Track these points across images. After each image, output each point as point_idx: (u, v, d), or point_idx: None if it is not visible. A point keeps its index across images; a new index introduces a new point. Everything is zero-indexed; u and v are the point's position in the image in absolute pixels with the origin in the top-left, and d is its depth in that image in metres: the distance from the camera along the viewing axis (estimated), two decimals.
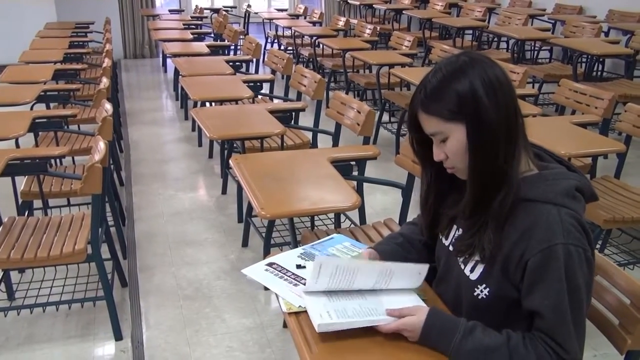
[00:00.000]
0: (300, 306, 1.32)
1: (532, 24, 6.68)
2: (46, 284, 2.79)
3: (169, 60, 7.54)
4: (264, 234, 2.99)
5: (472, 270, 1.32)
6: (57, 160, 3.61)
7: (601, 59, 5.38)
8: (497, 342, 1.22)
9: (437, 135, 1.28)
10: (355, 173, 2.66)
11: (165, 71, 7.72)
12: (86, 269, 2.84)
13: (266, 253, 2.84)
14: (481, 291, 1.29)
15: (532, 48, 6.67)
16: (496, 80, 1.23)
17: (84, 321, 2.61)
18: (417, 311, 1.26)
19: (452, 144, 1.27)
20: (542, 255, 1.20)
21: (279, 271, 1.45)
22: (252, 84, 4.07)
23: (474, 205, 1.29)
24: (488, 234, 1.26)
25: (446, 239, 1.42)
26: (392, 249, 1.51)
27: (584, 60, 5.23)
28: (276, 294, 1.38)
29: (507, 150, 1.24)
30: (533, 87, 5.25)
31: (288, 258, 1.52)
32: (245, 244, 3.26)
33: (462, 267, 1.34)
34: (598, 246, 2.98)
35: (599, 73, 5.61)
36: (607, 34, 6.02)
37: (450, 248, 1.40)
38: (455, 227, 1.39)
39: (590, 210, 2.54)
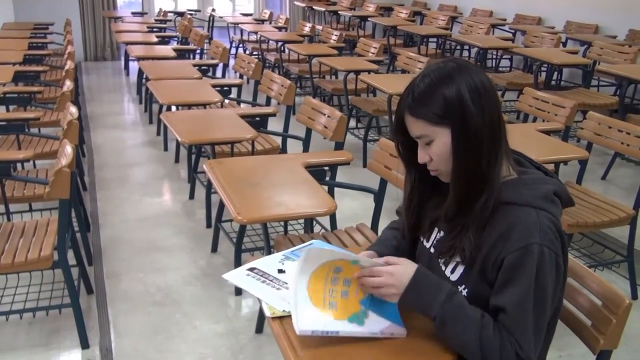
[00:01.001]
0: (284, 310, 1.32)
1: (493, 33, 6.85)
2: (9, 291, 2.70)
3: (131, 63, 7.44)
4: (234, 239, 2.97)
5: (452, 272, 1.34)
6: (19, 165, 3.51)
7: (560, 69, 5.55)
8: (475, 312, 1.25)
9: (422, 138, 1.31)
10: (327, 178, 2.67)
11: (128, 74, 7.59)
12: (50, 275, 2.76)
13: (237, 258, 2.82)
14: (461, 292, 1.32)
15: (494, 57, 6.83)
16: (482, 86, 1.27)
17: (49, 329, 2.53)
18: (404, 261, 1.30)
19: (437, 147, 1.29)
20: (517, 254, 1.23)
21: (261, 276, 1.45)
22: (220, 88, 4.05)
23: (456, 208, 1.31)
24: (469, 236, 1.29)
25: (427, 241, 1.45)
26: (390, 253, 1.50)
27: (544, 69, 5.38)
28: (259, 299, 1.38)
29: (490, 155, 1.27)
30: None
31: (269, 263, 1.51)
32: (214, 249, 3.23)
33: (443, 268, 1.36)
34: None
35: (558, 82, 5.78)
36: (564, 44, 6.21)
37: (432, 250, 1.42)
38: (436, 229, 1.42)
39: None
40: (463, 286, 1.32)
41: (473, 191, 1.28)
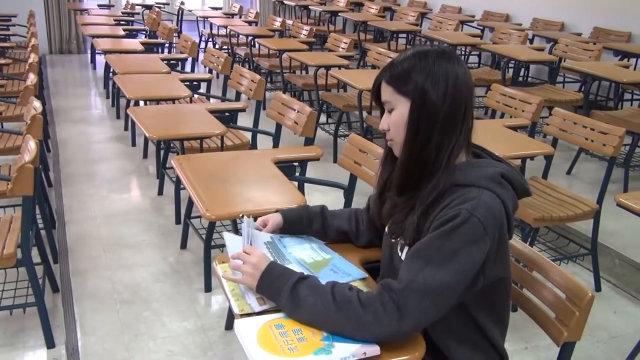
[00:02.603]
0: (247, 303, 1.32)
1: (462, 30, 6.92)
2: None
3: (98, 57, 7.30)
4: (203, 236, 2.95)
5: (402, 253, 1.37)
6: None
7: (527, 65, 5.63)
8: (324, 287, 1.28)
9: (387, 105, 1.38)
10: (297, 174, 2.67)
11: (94, 68, 7.45)
12: (14, 274, 2.69)
13: (207, 255, 2.80)
14: (403, 264, 1.33)
15: (463, 53, 6.90)
16: (454, 77, 1.31)
17: (13, 329, 2.48)
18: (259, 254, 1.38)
19: (395, 115, 1.36)
20: (445, 218, 1.26)
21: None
22: (189, 83, 4.00)
23: (401, 182, 1.37)
24: (413, 218, 1.32)
25: (388, 230, 1.46)
26: (296, 218, 1.61)
27: (511, 65, 5.46)
28: (227, 297, 1.37)
29: (443, 141, 1.31)
30: None
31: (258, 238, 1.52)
32: (184, 245, 3.20)
33: (400, 253, 1.39)
34: (527, 243, 3.11)
35: (525, 78, 5.87)
36: (531, 41, 6.31)
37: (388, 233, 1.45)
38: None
39: (521, 209, 2.66)
40: None
41: (417, 169, 1.33)
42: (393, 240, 1.41)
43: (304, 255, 1.51)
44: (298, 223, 1.60)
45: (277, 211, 1.62)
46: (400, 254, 1.39)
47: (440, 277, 1.22)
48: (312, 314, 1.25)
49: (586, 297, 1.37)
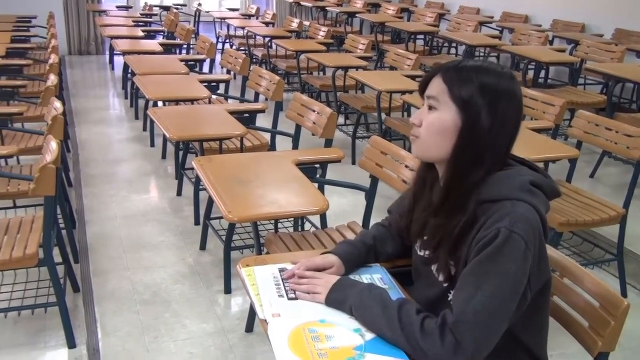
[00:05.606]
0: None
1: (481, 31, 6.86)
2: None
3: (116, 58, 7.35)
4: (223, 237, 2.94)
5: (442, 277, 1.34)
6: (2, 161, 3.43)
7: (547, 67, 5.56)
8: (393, 301, 1.26)
9: (430, 100, 1.31)
10: (318, 176, 2.65)
11: (113, 69, 7.49)
12: (36, 273, 2.70)
13: (227, 256, 2.79)
14: (453, 295, 1.30)
15: (481, 55, 6.84)
16: (514, 94, 1.29)
17: (35, 328, 2.48)
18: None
19: (434, 116, 1.30)
20: (487, 240, 1.21)
21: (282, 279, 1.42)
22: (208, 84, 4.00)
23: (441, 203, 1.31)
24: (444, 257, 1.30)
25: (420, 249, 1.43)
26: (356, 258, 1.52)
27: (531, 67, 5.39)
28: (252, 301, 1.35)
29: (492, 162, 1.29)
30: None
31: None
32: (203, 247, 3.19)
33: (436, 275, 1.36)
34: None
35: (545, 80, 5.80)
36: (551, 42, 6.24)
37: (423, 255, 1.41)
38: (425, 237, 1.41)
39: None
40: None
41: (462, 190, 1.28)
42: (433, 267, 1.38)
43: None
44: (358, 261, 1.53)
45: (329, 252, 1.52)
46: (437, 276, 1.37)
47: (491, 305, 1.18)
48: (374, 323, 1.25)
49: (622, 306, 1.33)
